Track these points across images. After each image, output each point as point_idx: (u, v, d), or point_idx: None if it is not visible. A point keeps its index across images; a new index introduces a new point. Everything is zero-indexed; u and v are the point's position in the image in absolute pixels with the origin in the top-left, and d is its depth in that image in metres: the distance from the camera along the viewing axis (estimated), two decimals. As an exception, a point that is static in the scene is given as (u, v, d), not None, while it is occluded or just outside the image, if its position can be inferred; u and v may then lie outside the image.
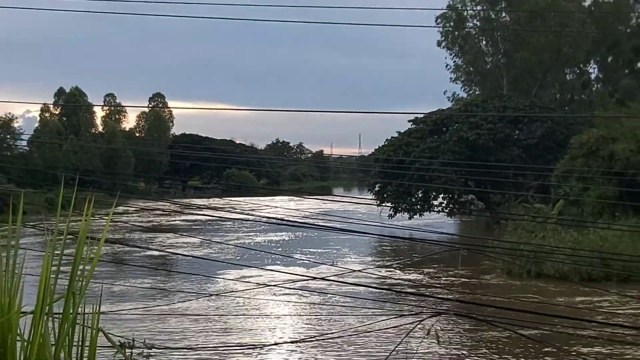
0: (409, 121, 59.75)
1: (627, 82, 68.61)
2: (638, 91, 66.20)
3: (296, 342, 21.01)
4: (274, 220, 31.98)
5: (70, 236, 4.45)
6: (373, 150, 65.87)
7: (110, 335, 4.76)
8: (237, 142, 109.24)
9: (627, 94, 64.58)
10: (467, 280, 34.08)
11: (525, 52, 69.92)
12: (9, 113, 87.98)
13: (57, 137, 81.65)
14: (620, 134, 46.26)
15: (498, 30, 73.25)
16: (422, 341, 6.38)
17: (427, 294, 25.11)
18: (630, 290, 29.12)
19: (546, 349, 19.34)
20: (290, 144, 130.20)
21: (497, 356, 20.74)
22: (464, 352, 21.28)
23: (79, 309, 4.25)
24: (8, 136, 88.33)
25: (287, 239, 48.56)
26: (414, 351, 5.87)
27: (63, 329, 4.18)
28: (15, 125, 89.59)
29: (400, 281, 31.84)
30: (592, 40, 71.34)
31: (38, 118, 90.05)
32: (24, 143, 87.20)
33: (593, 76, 77.09)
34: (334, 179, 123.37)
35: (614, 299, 27.75)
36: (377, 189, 58.95)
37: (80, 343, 4.23)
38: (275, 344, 20.55)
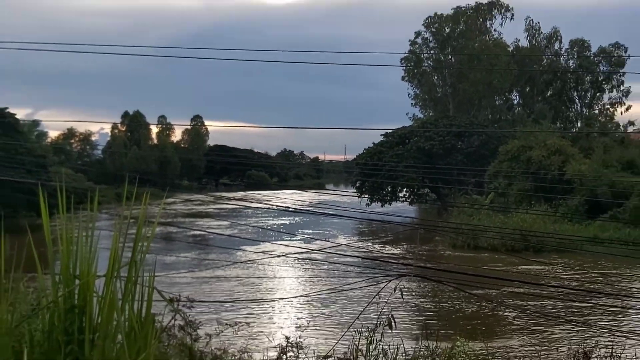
0: (381, 135, 59.81)
1: (540, 106, 68.73)
2: (548, 113, 66.38)
3: (297, 297, 20.99)
4: (282, 208, 32.01)
5: (133, 220, 4.44)
6: (355, 157, 65.67)
7: (162, 293, 4.75)
8: (255, 151, 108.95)
9: (540, 115, 64.80)
10: (423, 251, 34.09)
11: (465, 84, 70.30)
12: (88, 130, 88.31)
13: (124, 148, 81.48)
14: (535, 144, 46.44)
15: (446, 69, 73.51)
16: (390, 295, 6.34)
17: (395, 261, 25.12)
18: (554, 259, 29.10)
19: (484, 303, 19.32)
20: (294, 152, 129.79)
21: (445, 304, 20.77)
22: (422, 301, 21.27)
23: (139, 274, 4.24)
24: (87, 147, 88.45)
25: (292, 222, 48.43)
26: (385, 300, 5.84)
27: (128, 288, 4.17)
28: (93, 139, 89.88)
29: (374, 252, 31.78)
30: (514, 76, 71.64)
31: (109, 134, 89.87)
32: (100, 152, 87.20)
33: (515, 102, 77.14)
34: (326, 178, 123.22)
35: (535, 266, 27.73)
36: (357, 184, 59.01)
37: (140, 298, 4.22)
38: (281, 298, 20.49)
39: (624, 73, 71.39)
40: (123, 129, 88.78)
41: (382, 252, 32.43)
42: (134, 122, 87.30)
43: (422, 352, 5.89)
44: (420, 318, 19.33)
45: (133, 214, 4.54)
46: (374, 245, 35.89)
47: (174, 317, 5.66)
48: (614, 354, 7.27)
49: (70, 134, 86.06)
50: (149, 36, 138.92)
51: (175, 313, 5.71)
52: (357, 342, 5.32)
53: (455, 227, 33.59)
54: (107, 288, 4.02)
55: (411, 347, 6.15)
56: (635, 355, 7.63)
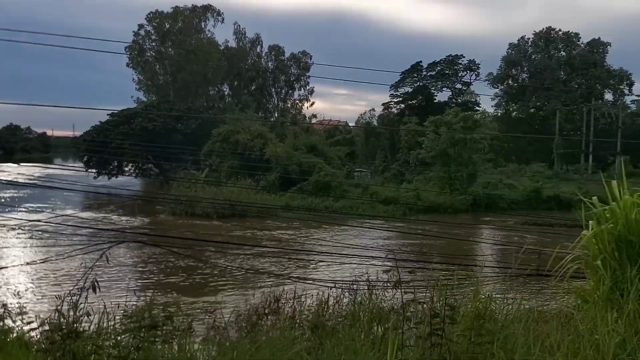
0: (108, 115, 55.99)
1: (246, 98, 71.35)
2: (252, 104, 69.27)
3: (18, 265, 18.71)
4: (6, 182, 28.13)
5: None
6: (82, 133, 60.46)
7: None
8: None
9: (246, 105, 67.30)
10: (145, 219, 32.98)
11: (184, 74, 70.09)
12: None
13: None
14: (241, 129, 47.99)
15: (166, 59, 72.46)
16: (97, 260, 5.79)
17: (114, 229, 23.78)
18: (263, 222, 29.78)
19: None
20: (21, 127, 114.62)
21: (163, 265, 20.36)
22: (136, 263, 20.49)
23: None
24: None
25: (15, 195, 42.52)
26: (91, 266, 5.17)
27: None
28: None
29: (98, 221, 29.28)
30: (225, 71, 73.26)
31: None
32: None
33: (226, 93, 78.83)
34: (55, 152, 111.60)
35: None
36: (85, 159, 54.70)
37: None
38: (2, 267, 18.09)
39: (309, 76, 78.08)
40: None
41: (106, 222, 30.35)
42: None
43: (133, 306, 5.59)
44: (137, 277, 18.68)
45: None
46: (105, 215, 33.50)
47: None
48: (297, 298, 7.71)
49: None
50: None
51: None
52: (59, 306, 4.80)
53: (175, 198, 33.18)
54: None
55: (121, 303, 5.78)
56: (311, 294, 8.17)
